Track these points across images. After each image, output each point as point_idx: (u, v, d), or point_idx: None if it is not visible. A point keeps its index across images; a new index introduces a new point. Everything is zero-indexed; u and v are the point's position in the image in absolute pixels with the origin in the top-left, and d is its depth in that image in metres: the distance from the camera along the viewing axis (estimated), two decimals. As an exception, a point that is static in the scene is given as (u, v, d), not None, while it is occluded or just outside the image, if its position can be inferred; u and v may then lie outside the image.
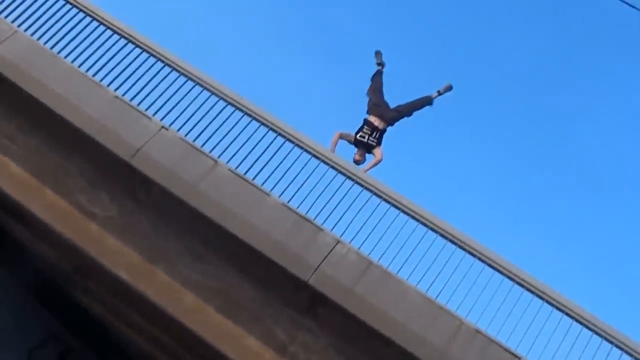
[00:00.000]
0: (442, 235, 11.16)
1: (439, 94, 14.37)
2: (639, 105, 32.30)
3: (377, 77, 14.62)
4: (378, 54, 14.92)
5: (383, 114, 13.99)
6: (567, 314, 10.60)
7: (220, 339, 11.13)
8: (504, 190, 35.38)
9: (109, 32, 12.57)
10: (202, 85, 12.15)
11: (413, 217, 11.31)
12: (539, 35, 33.91)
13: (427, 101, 14.35)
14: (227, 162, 11.57)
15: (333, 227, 11.14)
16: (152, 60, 12.34)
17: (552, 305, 10.66)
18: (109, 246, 11.68)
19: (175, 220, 11.61)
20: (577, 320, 10.55)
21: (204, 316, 11.19)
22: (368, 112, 14.10)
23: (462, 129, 35.60)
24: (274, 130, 11.86)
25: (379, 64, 14.80)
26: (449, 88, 14.50)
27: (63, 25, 12.69)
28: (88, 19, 12.69)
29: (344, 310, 10.56)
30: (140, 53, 12.43)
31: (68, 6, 12.76)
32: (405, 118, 14.25)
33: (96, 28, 12.62)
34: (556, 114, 34.00)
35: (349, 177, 11.65)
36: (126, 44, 12.51)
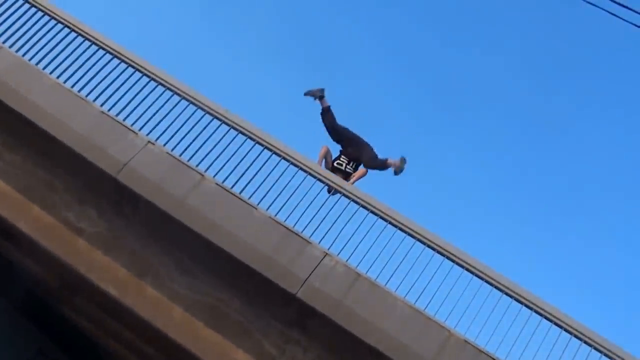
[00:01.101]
0: (429, 247, 11.16)
1: (395, 174, 14.02)
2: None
3: (328, 115, 14.21)
4: (311, 92, 14.29)
5: (359, 156, 13.94)
6: (555, 324, 10.60)
7: (209, 353, 11.10)
8: (493, 200, 35.58)
9: (94, 48, 12.55)
10: (188, 100, 12.14)
11: (401, 229, 11.31)
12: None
13: (384, 167, 14.03)
14: (214, 175, 11.56)
15: (321, 240, 11.13)
16: (137, 75, 12.34)
17: (541, 314, 10.67)
18: (96, 261, 11.64)
19: (162, 234, 11.59)
20: (565, 330, 10.56)
21: (192, 330, 11.16)
22: (341, 151, 14.14)
23: (451, 138, 35.83)
24: (260, 144, 11.86)
25: (320, 98, 14.23)
26: (403, 162, 14.08)
27: (48, 41, 12.65)
28: (73, 34, 12.67)
29: (332, 323, 10.55)
30: (126, 68, 12.41)
31: (53, 22, 12.74)
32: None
33: (81, 43, 12.58)
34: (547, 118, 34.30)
35: (337, 190, 11.65)
36: (111, 59, 12.49)
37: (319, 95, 14.18)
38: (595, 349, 10.45)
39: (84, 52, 12.56)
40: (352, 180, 13.35)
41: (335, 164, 13.78)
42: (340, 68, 36.83)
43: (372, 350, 10.42)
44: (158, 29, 37.60)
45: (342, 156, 13.85)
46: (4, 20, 12.87)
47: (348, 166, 13.75)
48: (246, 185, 11.55)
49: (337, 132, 13.99)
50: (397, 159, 13.97)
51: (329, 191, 12.14)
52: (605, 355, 10.41)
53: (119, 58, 12.50)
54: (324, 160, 13.59)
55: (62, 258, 11.83)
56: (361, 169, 13.70)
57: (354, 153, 13.87)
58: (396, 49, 36.32)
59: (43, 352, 18.07)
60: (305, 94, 14.18)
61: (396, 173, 13.99)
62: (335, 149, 14.07)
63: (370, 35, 37.03)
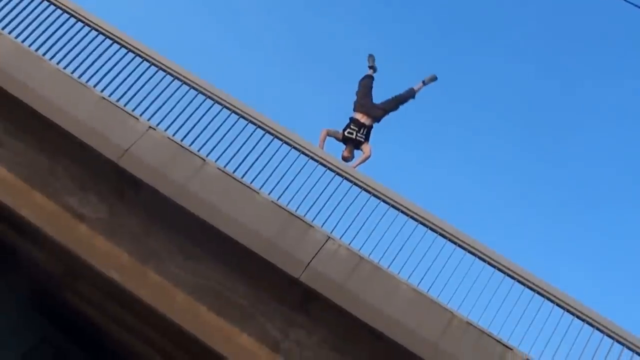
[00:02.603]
0: (432, 229, 11.18)
1: (424, 84, 14.49)
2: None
3: (367, 80, 14.62)
4: (370, 57, 14.92)
5: (369, 111, 14.00)
6: (557, 305, 10.63)
7: (213, 338, 11.12)
8: (496, 184, 35.55)
9: (94, 33, 12.53)
10: (188, 85, 12.13)
11: (403, 212, 11.33)
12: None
13: (411, 94, 14.42)
14: (216, 160, 11.56)
15: (323, 224, 11.16)
16: (137, 60, 12.32)
17: (543, 296, 10.69)
18: (99, 247, 11.65)
19: (165, 220, 11.59)
20: (568, 311, 10.58)
21: (196, 315, 11.18)
22: (354, 110, 14.10)
23: (453, 122, 35.76)
24: (262, 128, 11.86)
25: (370, 67, 14.81)
26: (434, 79, 14.61)
27: (47, 27, 12.64)
28: (72, 20, 12.64)
29: (336, 306, 10.57)
30: (126, 53, 12.40)
31: (52, 7, 12.71)
32: (392, 113, 14.27)
33: (81, 29, 12.57)
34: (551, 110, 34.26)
35: (338, 174, 11.65)
36: (112, 45, 12.48)
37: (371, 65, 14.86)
38: (599, 329, 10.47)
39: (83, 37, 12.54)
40: (354, 164, 13.34)
41: (346, 134, 13.78)
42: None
43: (375, 333, 10.45)
44: (161, 17, 37.50)
45: (352, 124, 13.84)
46: (3, 6, 12.84)
47: (359, 134, 13.75)
48: (248, 170, 11.56)
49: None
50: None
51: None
52: (608, 336, 10.44)
53: (119, 43, 12.49)
54: (325, 143, 13.56)
55: (65, 244, 11.83)
56: (365, 149, 13.68)
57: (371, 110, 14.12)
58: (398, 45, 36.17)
59: (47, 338, 18.11)
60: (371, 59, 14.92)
61: (425, 83, 14.53)
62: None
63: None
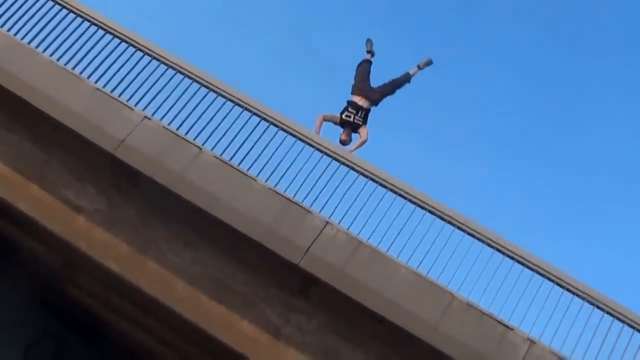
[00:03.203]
0: (430, 212, 11.17)
1: (419, 68, 14.49)
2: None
3: (365, 64, 14.60)
4: (369, 42, 14.92)
5: (367, 94, 14.01)
6: (557, 284, 10.63)
7: (214, 326, 11.15)
8: (496, 165, 35.64)
9: (85, 24, 12.48)
10: (182, 73, 12.10)
11: (401, 195, 11.32)
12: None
13: (407, 79, 14.44)
14: (212, 149, 11.54)
15: (321, 209, 11.15)
16: (131, 50, 12.28)
17: (543, 275, 10.69)
18: (97, 239, 11.66)
19: (163, 209, 11.59)
20: (568, 290, 10.59)
21: (196, 303, 11.20)
22: (352, 93, 14.09)
23: (454, 103, 35.83)
24: (257, 115, 11.83)
25: (368, 52, 14.80)
26: (429, 63, 14.60)
27: (39, 20, 12.59)
28: (64, 11, 12.59)
29: (336, 291, 10.58)
30: (119, 44, 12.36)
31: (43, 0, 12.65)
32: (388, 96, 14.28)
33: (72, 20, 12.52)
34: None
35: (335, 159, 11.63)
36: (104, 35, 12.43)
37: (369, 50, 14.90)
38: (599, 307, 10.49)
39: (75, 29, 12.48)
40: (352, 149, 13.33)
41: (343, 117, 13.77)
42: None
43: (375, 316, 10.47)
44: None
45: (350, 107, 13.83)
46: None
47: (356, 117, 13.75)
48: (244, 157, 11.53)
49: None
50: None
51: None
52: (608, 313, 10.46)
53: (111, 33, 12.43)
54: (321, 128, 13.55)
55: (63, 236, 11.84)
56: (362, 133, 13.68)
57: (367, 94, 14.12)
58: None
59: (49, 331, 18.14)
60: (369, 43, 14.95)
61: (420, 67, 14.55)
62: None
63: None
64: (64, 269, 15.24)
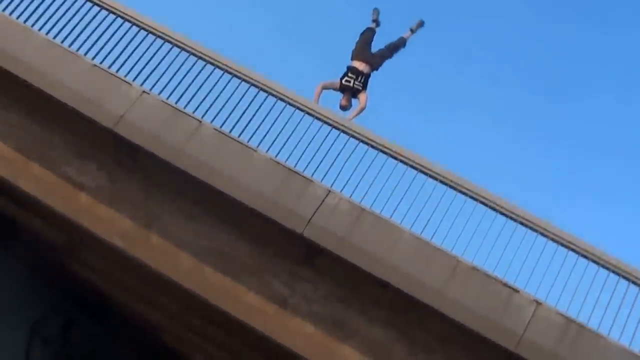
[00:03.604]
0: (432, 177, 11.16)
1: (412, 32, 14.52)
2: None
3: (368, 33, 14.57)
4: (375, 11, 14.88)
5: (368, 59, 13.98)
6: (561, 244, 10.64)
7: (220, 298, 11.19)
8: (494, 128, 35.61)
9: (80, 1, 12.41)
10: (179, 46, 12.04)
11: (402, 161, 11.30)
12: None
13: (402, 42, 14.48)
14: (211, 121, 11.51)
15: (323, 178, 11.13)
16: (127, 25, 12.21)
17: (546, 236, 10.70)
18: (100, 215, 11.67)
19: (164, 183, 11.60)
20: (572, 250, 10.59)
21: (202, 276, 11.23)
22: (352, 58, 14.06)
23: (448, 69, 35.71)
24: (255, 86, 11.78)
25: (374, 21, 14.76)
26: (421, 24, 14.65)
27: (33, -1, 12.53)
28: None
29: (340, 259, 10.59)
30: (115, 19, 12.29)
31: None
32: (387, 60, 14.26)
33: (66, -1, 12.48)
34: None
35: (334, 127, 11.60)
36: (99, 11, 12.36)
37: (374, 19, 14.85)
38: (604, 266, 10.49)
39: (71, 6, 12.41)
40: (350, 116, 13.31)
41: (343, 82, 13.75)
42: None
43: (382, 283, 10.49)
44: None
45: (350, 73, 13.80)
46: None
47: (356, 82, 13.72)
48: (244, 129, 11.51)
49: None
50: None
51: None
52: (614, 272, 10.44)
53: (106, 9, 12.37)
54: (320, 97, 13.51)
55: (66, 214, 11.86)
56: (362, 99, 13.65)
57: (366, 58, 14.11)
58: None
59: (55, 308, 18.21)
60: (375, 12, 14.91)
61: (413, 30, 14.64)
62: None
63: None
64: (69, 247, 15.27)
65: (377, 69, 14.08)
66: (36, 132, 12.05)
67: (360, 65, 13.86)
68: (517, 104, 36.30)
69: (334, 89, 13.81)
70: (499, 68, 36.67)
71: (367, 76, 13.87)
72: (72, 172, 11.83)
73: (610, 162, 34.43)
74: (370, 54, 14.10)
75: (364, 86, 13.77)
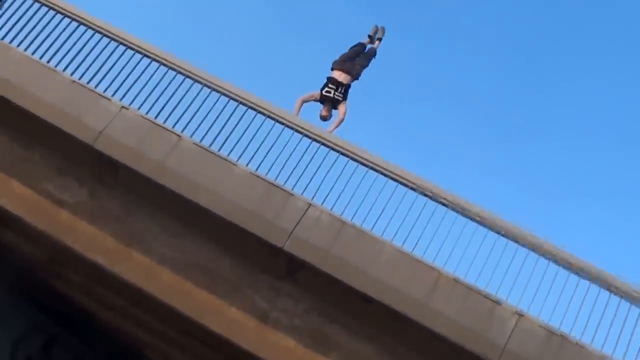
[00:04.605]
0: (412, 189, 11.16)
1: (380, 40, 14.78)
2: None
3: (359, 47, 14.62)
4: (380, 29, 14.97)
5: (348, 69, 13.98)
6: (543, 256, 10.63)
7: (202, 314, 11.14)
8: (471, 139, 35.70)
9: (59, 17, 12.39)
10: (158, 61, 12.03)
11: (382, 173, 11.31)
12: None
13: (374, 52, 14.61)
14: (191, 135, 11.50)
15: (303, 191, 11.11)
16: (105, 40, 12.21)
17: (528, 248, 10.69)
18: (82, 232, 11.62)
19: (145, 199, 11.55)
20: (554, 261, 10.59)
21: (184, 292, 11.19)
22: (332, 69, 14.06)
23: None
24: (234, 99, 11.77)
25: (369, 37, 14.82)
26: (384, 31, 14.83)
27: (12, 15, 12.49)
28: (36, 5, 12.48)
29: (322, 272, 10.56)
30: (93, 35, 12.28)
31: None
32: (364, 69, 14.32)
33: (45, 14, 12.44)
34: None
35: (315, 140, 11.60)
36: (78, 27, 12.35)
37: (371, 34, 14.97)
38: (588, 279, 10.48)
39: (49, 22, 12.40)
40: (331, 128, 13.29)
41: (323, 93, 13.74)
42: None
43: (363, 296, 10.46)
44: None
45: (330, 83, 13.80)
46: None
47: (337, 93, 13.71)
48: (224, 143, 11.50)
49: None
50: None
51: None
52: (596, 282, 10.46)
53: (85, 25, 12.36)
54: (299, 111, 13.49)
55: (47, 231, 11.81)
56: (341, 110, 13.64)
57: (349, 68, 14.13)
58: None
59: (37, 326, 18.09)
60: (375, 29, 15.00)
61: (380, 38, 14.87)
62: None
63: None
64: (50, 264, 15.17)
65: (357, 79, 14.10)
66: (16, 149, 11.99)
67: (340, 76, 13.87)
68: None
69: (314, 100, 13.80)
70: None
71: (347, 87, 13.87)
72: (52, 189, 11.78)
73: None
74: (350, 64, 14.10)
75: (344, 97, 13.77)
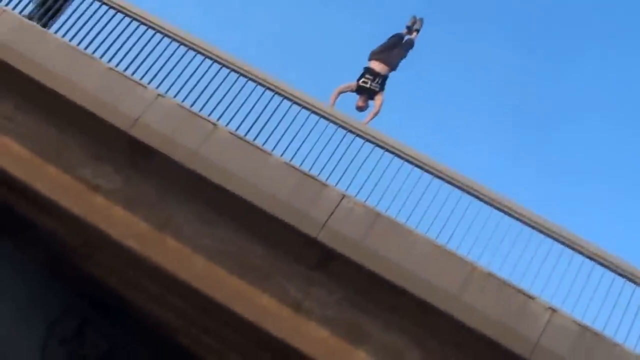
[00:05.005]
0: (448, 182, 11.12)
1: (417, 32, 14.67)
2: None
3: (396, 39, 14.53)
4: (418, 20, 14.85)
5: (385, 59, 13.91)
6: (578, 251, 10.56)
7: (234, 301, 11.18)
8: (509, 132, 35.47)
9: (96, 4, 12.43)
10: (194, 49, 12.05)
11: (417, 165, 11.27)
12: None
13: (412, 43, 14.55)
14: (227, 124, 11.52)
15: (337, 182, 11.11)
16: (142, 28, 12.23)
17: (563, 243, 10.63)
18: (116, 217, 11.69)
19: (179, 186, 11.60)
20: (589, 257, 10.52)
21: (216, 279, 11.23)
22: (369, 59, 14.00)
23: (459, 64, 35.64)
24: (271, 89, 11.78)
25: (407, 27, 14.71)
26: (422, 22, 14.78)
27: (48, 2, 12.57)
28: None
29: (354, 264, 10.56)
30: (130, 22, 12.31)
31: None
32: (403, 60, 14.25)
33: (82, 2, 12.50)
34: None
35: (349, 131, 11.58)
36: (115, 14, 12.39)
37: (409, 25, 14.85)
38: (619, 274, 10.41)
39: (86, 9, 12.45)
40: (366, 120, 13.26)
41: (360, 83, 13.71)
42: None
43: (395, 289, 10.44)
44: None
45: (367, 74, 13.76)
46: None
47: (373, 83, 13.67)
48: (259, 132, 11.53)
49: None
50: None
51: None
52: (631, 280, 10.37)
53: (122, 12, 12.40)
54: (335, 101, 13.47)
55: (82, 216, 11.88)
56: (377, 102, 13.60)
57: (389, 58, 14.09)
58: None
59: (71, 309, 18.24)
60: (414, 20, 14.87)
61: (419, 30, 14.74)
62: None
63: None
64: (84, 248, 15.29)
65: (395, 69, 14.04)
66: (52, 134, 12.08)
67: (377, 66, 13.80)
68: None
69: (351, 91, 13.76)
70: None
71: (385, 77, 13.81)
72: (88, 174, 11.86)
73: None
74: (388, 55, 14.04)
75: (382, 87, 13.71)
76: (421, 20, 14.71)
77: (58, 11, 12.80)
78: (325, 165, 11.21)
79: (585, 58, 35.25)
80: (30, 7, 12.67)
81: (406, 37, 14.50)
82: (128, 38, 12.20)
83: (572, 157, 35.35)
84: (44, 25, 12.53)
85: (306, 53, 38.01)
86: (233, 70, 11.90)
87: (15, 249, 16.63)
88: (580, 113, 35.70)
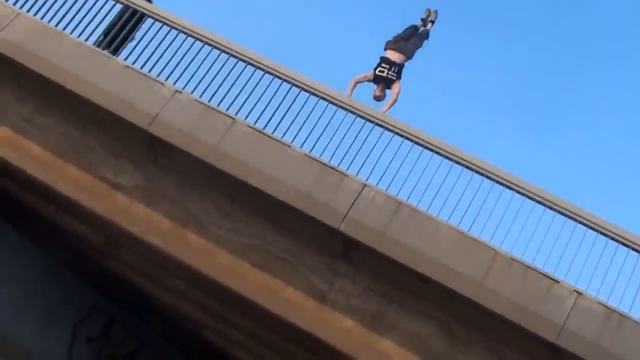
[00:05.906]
0: (468, 167, 11.06)
1: (432, 23, 14.65)
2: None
3: (412, 30, 14.51)
4: (434, 12, 14.83)
5: (401, 48, 13.90)
6: (601, 233, 10.48)
7: (259, 294, 11.20)
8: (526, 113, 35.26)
9: (111, 3, 12.47)
10: (210, 44, 12.04)
11: (437, 153, 11.21)
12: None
13: (427, 34, 14.56)
14: (245, 118, 11.52)
15: (358, 172, 11.09)
16: (157, 25, 12.24)
17: (586, 225, 10.55)
18: (138, 215, 11.73)
19: (200, 181, 11.62)
20: (612, 238, 10.44)
21: (240, 273, 11.25)
22: (385, 49, 13.99)
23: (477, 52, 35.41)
24: (287, 82, 11.75)
25: (422, 20, 14.71)
26: (437, 13, 14.73)
27: (64, 2, 12.58)
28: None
29: (377, 253, 10.55)
30: (145, 19, 12.34)
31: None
32: (418, 49, 14.24)
33: (96, 1, 12.53)
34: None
35: (368, 120, 11.55)
36: (129, 11, 12.42)
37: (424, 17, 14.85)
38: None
39: (101, 8, 12.49)
40: (384, 109, 13.25)
41: (377, 73, 13.71)
42: None
43: (419, 276, 10.43)
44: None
45: (383, 63, 13.75)
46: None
47: (390, 72, 13.66)
48: (278, 125, 11.51)
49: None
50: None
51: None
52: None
53: (136, 9, 12.43)
54: (353, 91, 13.46)
55: (104, 215, 11.93)
56: (394, 90, 13.58)
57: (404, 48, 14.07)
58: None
59: (97, 307, 18.36)
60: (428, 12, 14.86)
61: (433, 21, 14.73)
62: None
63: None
64: (108, 247, 15.38)
65: (411, 58, 14.03)
66: (72, 135, 12.13)
67: (393, 55, 13.80)
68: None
69: (368, 81, 13.76)
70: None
71: (401, 66, 13.80)
72: (108, 173, 11.90)
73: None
74: (404, 44, 14.02)
75: (398, 76, 13.71)
76: (435, 11, 14.68)
77: (125, 40, 12.83)
78: (345, 155, 11.19)
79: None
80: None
81: (421, 29, 14.48)
82: (143, 36, 12.21)
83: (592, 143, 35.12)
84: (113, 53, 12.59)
85: (306, 53, 38.00)
86: (249, 63, 11.88)
87: (39, 250, 16.75)
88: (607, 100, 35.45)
